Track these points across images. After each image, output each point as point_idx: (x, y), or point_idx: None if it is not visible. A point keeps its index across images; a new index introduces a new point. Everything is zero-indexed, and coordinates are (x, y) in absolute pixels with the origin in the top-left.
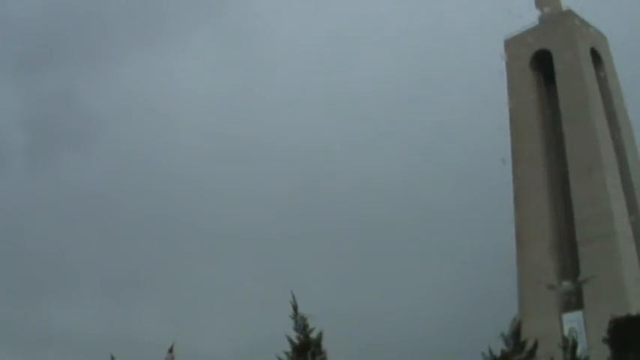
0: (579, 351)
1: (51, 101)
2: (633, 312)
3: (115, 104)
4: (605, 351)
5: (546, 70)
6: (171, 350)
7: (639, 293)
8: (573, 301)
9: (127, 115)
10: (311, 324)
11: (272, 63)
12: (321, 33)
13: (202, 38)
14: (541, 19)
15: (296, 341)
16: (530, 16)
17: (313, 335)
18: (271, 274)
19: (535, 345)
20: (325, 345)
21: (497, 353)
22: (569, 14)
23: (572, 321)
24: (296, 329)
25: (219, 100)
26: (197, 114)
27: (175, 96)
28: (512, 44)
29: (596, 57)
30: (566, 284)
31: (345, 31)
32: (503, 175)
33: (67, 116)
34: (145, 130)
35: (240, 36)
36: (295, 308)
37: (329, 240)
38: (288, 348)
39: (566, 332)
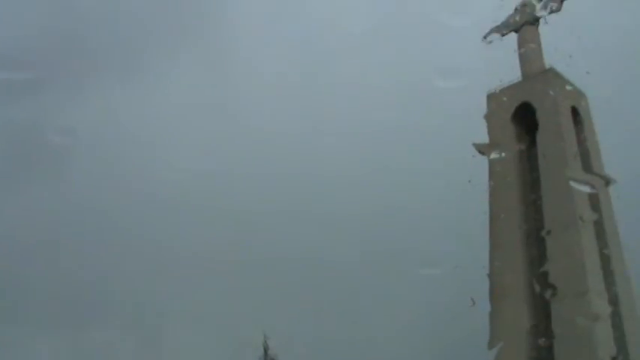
0: None
1: (26, 127)
2: None
3: (91, 129)
4: None
5: (527, 123)
6: None
7: (610, 351)
8: (544, 357)
9: (102, 139)
10: None
11: (250, 92)
12: (303, 67)
13: (182, 65)
14: (524, 76)
15: None
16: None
17: None
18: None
19: None
20: None
21: None
22: (551, 71)
23: None
24: None
25: (194, 131)
26: (172, 143)
27: (152, 123)
28: (494, 98)
29: (576, 114)
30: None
31: (329, 66)
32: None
33: (42, 141)
34: (120, 156)
35: (218, 65)
36: (266, 350)
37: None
38: None
39: None
